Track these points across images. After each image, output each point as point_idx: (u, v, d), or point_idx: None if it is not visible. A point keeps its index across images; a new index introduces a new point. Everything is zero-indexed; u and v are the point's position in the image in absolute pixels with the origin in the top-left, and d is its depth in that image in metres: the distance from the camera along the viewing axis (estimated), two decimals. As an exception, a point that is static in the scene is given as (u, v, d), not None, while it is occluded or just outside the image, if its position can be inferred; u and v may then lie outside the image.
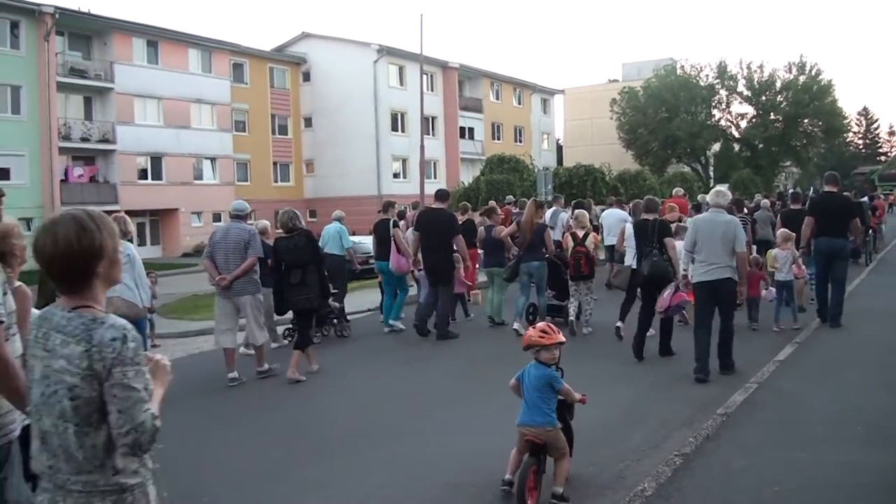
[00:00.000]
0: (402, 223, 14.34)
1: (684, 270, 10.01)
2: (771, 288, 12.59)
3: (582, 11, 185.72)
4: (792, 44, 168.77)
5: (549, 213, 16.47)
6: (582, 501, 5.68)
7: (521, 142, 65.42)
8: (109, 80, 41.11)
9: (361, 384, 10.12)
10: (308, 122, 55.36)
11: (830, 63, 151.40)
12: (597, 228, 16.83)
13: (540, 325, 6.06)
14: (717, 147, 72.00)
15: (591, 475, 6.16)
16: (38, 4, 37.48)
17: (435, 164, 56.43)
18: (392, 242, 13.00)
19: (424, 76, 46.20)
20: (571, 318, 12.45)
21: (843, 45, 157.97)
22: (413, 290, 14.90)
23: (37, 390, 2.79)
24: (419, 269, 13.11)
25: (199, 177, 45.87)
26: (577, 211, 13.75)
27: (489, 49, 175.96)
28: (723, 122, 69.96)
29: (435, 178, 55.28)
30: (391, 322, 13.65)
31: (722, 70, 66.67)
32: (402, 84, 54.66)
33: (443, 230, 12.63)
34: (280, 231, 10.57)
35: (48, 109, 37.95)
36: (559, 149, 77.77)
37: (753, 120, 67.54)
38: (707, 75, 67.23)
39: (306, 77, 55.27)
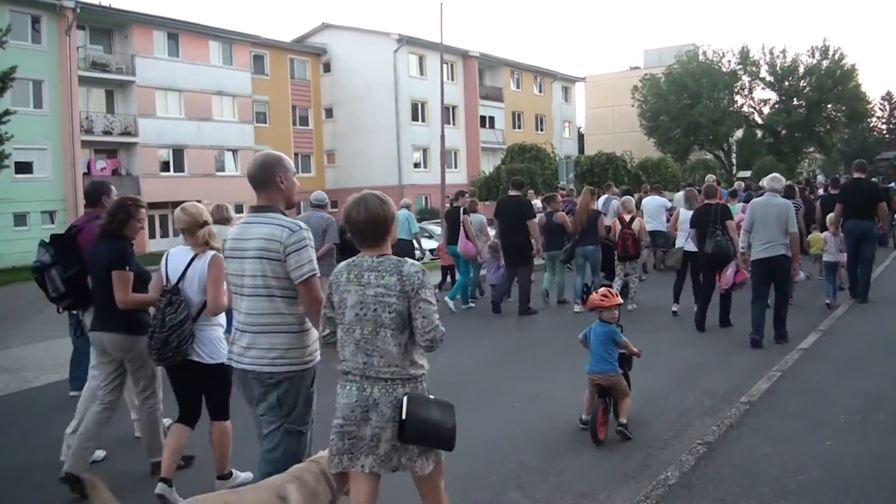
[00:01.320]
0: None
1: (743, 249, 10.87)
2: (801, 271, 12.80)
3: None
4: (815, 28, 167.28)
5: (601, 200, 17.48)
6: (605, 489, 5.68)
7: (542, 130, 65.20)
8: (131, 74, 41.27)
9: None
10: (329, 112, 55.41)
11: (854, 47, 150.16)
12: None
13: (602, 289, 7.27)
14: (739, 134, 71.60)
15: (615, 464, 6.17)
16: (59, -1, 37.69)
17: (455, 153, 56.37)
18: (461, 229, 14.32)
19: (445, 65, 46.17)
20: None
21: (867, 29, 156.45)
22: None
23: (350, 312, 3.95)
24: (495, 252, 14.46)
25: (220, 169, 46.03)
26: (624, 197, 15.27)
27: (510, 37, 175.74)
28: (745, 109, 69.53)
29: (455, 167, 55.25)
30: (450, 300, 14.68)
31: (744, 55, 66.19)
32: (422, 73, 54.59)
33: (519, 215, 13.76)
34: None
35: (70, 103, 38.14)
36: (580, 137, 77.55)
37: (776, 106, 67.13)
38: (729, 61, 66.80)
39: (327, 68, 55.30)
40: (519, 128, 63.14)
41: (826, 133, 67.55)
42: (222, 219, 9.71)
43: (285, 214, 4.62)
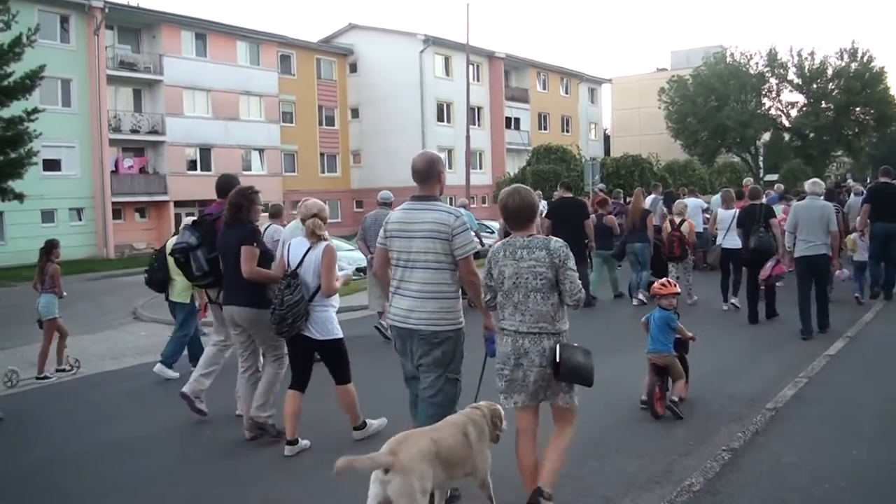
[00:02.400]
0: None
1: (789, 248, 11.67)
2: (844, 269, 13.78)
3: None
4: (844, 30, 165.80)
5: (649, 199, 18.40)
6: (628, 494, 5.66)
7: (568, 132, 65.04)
8: (158, 73, 41.53)
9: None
10: (355, 112, 55.52)
11: (883, 50, 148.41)
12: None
13: (663, 279, 8.27)
14: (766, 136, 71.13)
15: (638, 469, 6.13)
16: (89, -1, 38.03)
17: (481, 154, 56.34)
18: None
19: (470, 66, 46.17)
20: None
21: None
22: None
23: (508, 282, 4.98)
24: None
25: (247, 168, 46.19)
26: (677, 201, 16.38)
27: (536, 38, 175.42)
28: (773, 111, 69.03)
29: (480, 168, 55.25)
30: None
31: (772, 57, 65.70)
32: (448, 74, 54.60)
33: (575, 215, 14.52)
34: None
35: (98, 102, 38.48)
36: (606, 139, 77.32)
37: (804, 108, 66.56)
38: (757, 63, 66.34)
39: (353, 68, 55.40)
40: (545, 129, 63.01)
41: (854, 136, 66.95)
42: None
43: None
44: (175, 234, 9.53)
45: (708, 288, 14.98)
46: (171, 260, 9.26)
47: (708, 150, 65.11)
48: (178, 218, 42.74)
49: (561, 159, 42.40)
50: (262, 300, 7.00)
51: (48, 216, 36.85)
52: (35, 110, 24.84)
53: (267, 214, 11.24)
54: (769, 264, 12.04)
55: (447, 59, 54.67)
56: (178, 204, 42.53)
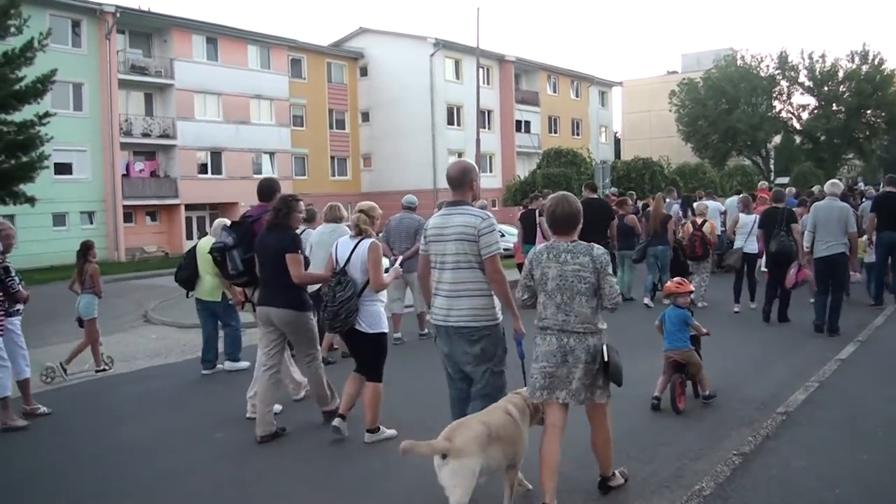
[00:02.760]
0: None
1: (807, 248, 11.90)
2: (857, 274, 14.01)
3: (641, 2, 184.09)
4: (855, 32, 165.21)
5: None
6: (638, 499, 5.65)
7: (578, 135, 64.98)
8: (170, 77, 41.68)
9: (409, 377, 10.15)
10: (365, 116, 55.60)
11: (894, 52, 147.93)
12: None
13: (676, 278, 8.73)
14: (777, 139, 70.91)
15: (649, 473, 6.12)
16: (100, 3, 38.15)
17: (491, 157, 56.31)
18: (538, 229, 15.25)
19: (481, 69, 46.17)
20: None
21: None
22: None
23: (552, 283, 5.34)
24: None
25: (257, 171, 46.29)
26: (698, 203, 17.75)
27: (546, 42, 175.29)
28: (784, 114, 68.78)
29: (491, 171, 55.24)
30: None
31: (783, 60, 65.48)
32: (458, 78, 54.64)
33: (602, 216, 14.90)
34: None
35: (110, 106, 38.64)
36: (617, 142, 77.24)
37: (815, 111, 66.30)
38: (768, 66, 66.17)
39: (363, 72, 55.49)
40: (555, 132, 62.97)
41: (865, 139, 66.65)
42: (335, 217, 10.61)
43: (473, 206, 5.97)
44: (205, 235, 10.17)
45: (720, 291, 15.05)
46: (202, 258, 10.28)
47: (719, 153, 64.98)
48: (188, 221, 42.98)
49: (571, 162, 42.29)
50: (301, 303, 7.50)
51: (59, 220, 36.99)
52: (46, 114, 24.93)
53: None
54: (793, 270, 12.35)
55: (457, 63, 54.70)
56: (188, 207, 42.67)
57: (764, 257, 13.47)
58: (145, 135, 41.13)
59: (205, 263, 10.29)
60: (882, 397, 7.95)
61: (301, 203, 7.75)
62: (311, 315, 7.73)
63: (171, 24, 42.05)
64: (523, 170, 53.29)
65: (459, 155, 53.28)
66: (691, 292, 8.29)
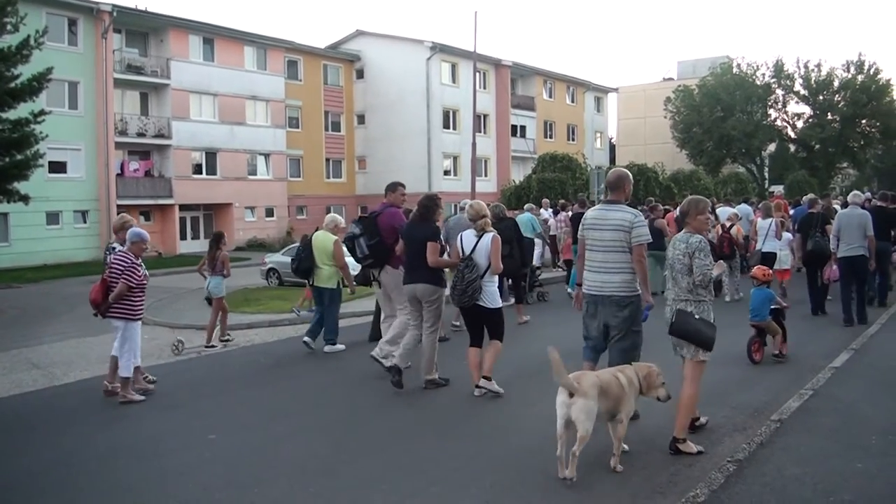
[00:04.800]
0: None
1: (833, 250, 13.44)
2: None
3: (637, 8, 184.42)
4: (850, 42, 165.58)
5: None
6: (632, 506, 5.64)
7: (573, 140, 65.09)
8: (166, 77, 41.61)
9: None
10: (361, 118, 55.58)
11: (889, 62, 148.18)
12: None
13: (762, 267, 11.20)
14: (772, 147, 71.01)
15: (643, 479, 6.13)
16: (96, 3, 38.10)
17: (486, 161, 56.34)
18: None
19: (477, 74, 46.21)
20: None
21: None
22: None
23: (669, 264, 6.88)
24: None
25: (252, 172, 46.30)
26: (720, 208, 19.92)
27: (543, 47, 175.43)
28: (779, 122, 68.76)
29: (486, 175, 55.26)
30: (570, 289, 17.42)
31: (779, 69, 65.53)
32: (454, 81, 54.63)
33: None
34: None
35: (105, 105, 38.58)
36: (612, 147, 77.25)
37: (810, 120, 66.32)
38: (763, 74, 66.10)
39: (360, 74, 55.47)
40: (550, 137, 63.07)
41: (860, 148, 66.65)
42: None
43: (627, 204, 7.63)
44: (318, 229, 12.56)
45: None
46: (319, 250, 12.21)
47: (713, 160, 64.99)
48: (182, 221, 42.92)
49: (566, 167, 42.29)
50: (438, 280, 9.37)
51: (53, 218, 36.91)
52: (42, 112, 24.84)
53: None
54: (834, 266, 13.78)
55: (454, 67, 54.68)
56: (183, 207, 42.58)
57: (792, 257, 15.46)
58: (140, 134, 41.04)
59: (321, 255, 12.18)
60: (876, 405, 7.97)
61: (441, 200, 9.80)
62: (444, 292, 9.48)
63: (167, 23, 41.99)
64: (518, 174, 53.29)
65: (455, 159, 53.37)
66: (772, 276, 11.17)
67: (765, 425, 7.24)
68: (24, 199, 25.56)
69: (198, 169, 43.77)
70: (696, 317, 6.64)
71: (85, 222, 38.57)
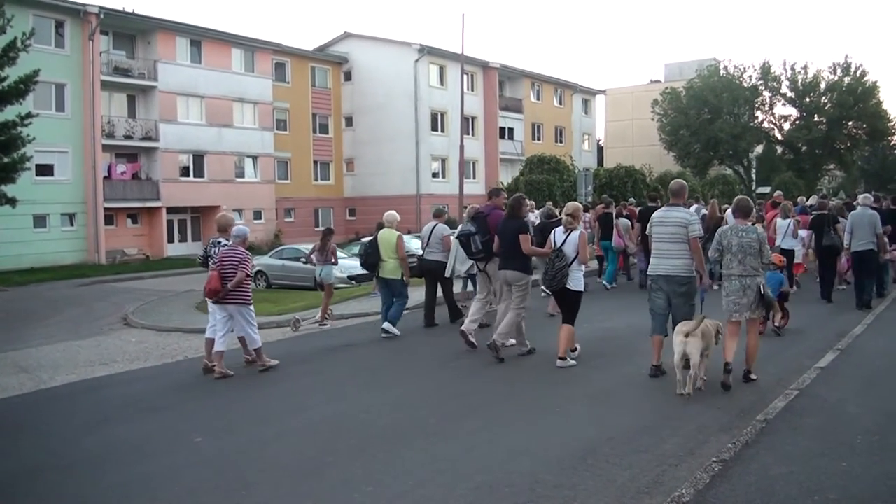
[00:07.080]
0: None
1: (847, 245, 15.39)
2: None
3: (624, 11, 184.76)
4: (837, 44, 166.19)
5: (692, 208, 21.75)
6: (618, 506, 5.66)
7: (561, 142, 65.16)
8: (153, 79, 41.45)
9: (413, 380, 10.17)
10: (349, 121, 55.49)
11: (876, 64, 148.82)
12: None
13: (779, 255, 13.23)
14: (759, 149, 71.32)
15: (628, 479, 6.13)
16: (83, 4, 37.90)
17: (474, 163, 56.34)
18: (615, 228, 19.33)
19: (465, 76, 46.18)
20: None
21: (889, 46, 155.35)
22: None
23: (735, 248, 8.99)
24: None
25: (240, 175, 46.15)
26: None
27: (530, 49, 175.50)
28: (766, 124, 69.17)
29: (474, 177, 55.26)
30: (605, 282, 19.55)
31: (765, 71, 65.83)
32: (442, 84, 54.63)
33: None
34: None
35: (92, 107, 38.39)
36: (600, 149, 77.36)
37: (797, 122, 66.67)
38: (750, 76, 66.42)
39: (347, 76, 55.41)
40: (538, 139, 63.14)
41: (846, 150, 67.05)
42: (550, 214, 15.36)
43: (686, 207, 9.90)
44: (380, 226, 13.65)
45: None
46: (384, 246, 13.38)
47: (700, 161, 65.25)
48: (169, 224, 42.76)
49: (554, 169, 42.42)
50: (527, 268, 11.08)
51: (40, 221, 36.70)
52: (29, 115, 24.79)
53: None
54: (844, 259, 16.67)
55: (441, 69, 54.67)
56: (170, 210, 42.43)
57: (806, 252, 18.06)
58: (127, 137, 40.84)
59: (387, 249, 13.39)
60: (861, 405, 8.00)
61: (527, 199, 11.88)
62: (531, 279, 11.12)
63: (155, 25, 41.82)
64: (506, 176, 53.33)
65: (443, 161, 53.36)
66: (783, 265, 13.24)
67: (751, 425, 7.25)
68: (11, 201, 25.50)
69: (185, 171, 43.56)
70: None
71: (72, 225, 38.40)
